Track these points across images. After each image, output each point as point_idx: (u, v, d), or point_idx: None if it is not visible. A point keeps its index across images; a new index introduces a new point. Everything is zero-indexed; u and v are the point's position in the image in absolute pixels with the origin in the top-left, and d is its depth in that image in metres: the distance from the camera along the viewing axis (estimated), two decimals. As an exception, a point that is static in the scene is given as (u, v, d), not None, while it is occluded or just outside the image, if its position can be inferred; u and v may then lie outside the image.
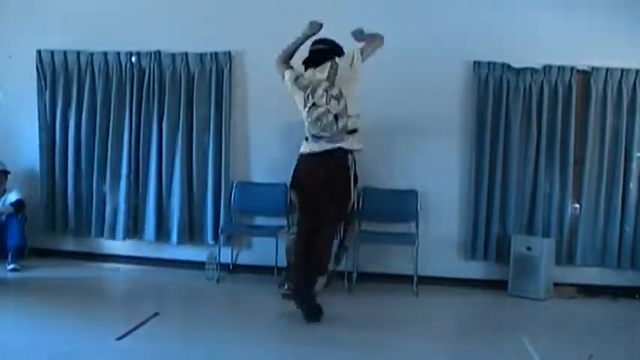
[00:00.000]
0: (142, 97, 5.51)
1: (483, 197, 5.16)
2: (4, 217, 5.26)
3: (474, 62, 5.16)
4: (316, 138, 4.06)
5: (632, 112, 5.07)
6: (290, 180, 4.29)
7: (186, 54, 5.44)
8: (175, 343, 3.60)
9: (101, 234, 5.61)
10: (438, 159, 5.23)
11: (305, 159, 4.14)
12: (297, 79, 4.19)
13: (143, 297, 4.90)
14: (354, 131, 4.13)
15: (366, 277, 5.06)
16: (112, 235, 5.59)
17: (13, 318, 3.90)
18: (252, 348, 3.58)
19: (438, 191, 5.21)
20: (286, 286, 4.65)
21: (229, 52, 5.40)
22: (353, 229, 4.98)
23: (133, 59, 5.53)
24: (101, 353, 3.37)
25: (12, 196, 5.35)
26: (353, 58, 4.09)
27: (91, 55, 5.57)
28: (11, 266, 5.10)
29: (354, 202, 4.27)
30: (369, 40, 4.15)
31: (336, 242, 4.19)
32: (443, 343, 3.97)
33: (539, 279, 4.87)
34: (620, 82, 5.07)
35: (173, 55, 5.46)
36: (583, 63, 5.09)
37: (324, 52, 4.19)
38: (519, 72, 5.13)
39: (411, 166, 5.23)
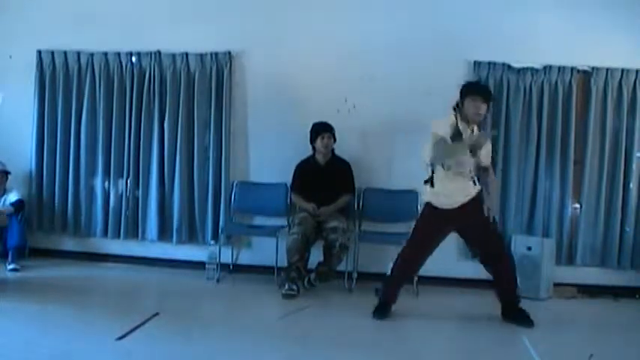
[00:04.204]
0: (142, 97, 5.52)
1: (483, 197, 5.16)
2: (5, 216, 5.25)
3: (474, 62, 5.17)
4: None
5: (632, 112, 5.08)
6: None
7: (186, 54, 5.44)
8: (175, 343, 3.59)
9: (101, 234, 5.62)
10: (438, 159, 5.23)
11: None
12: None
13: (143, 297, 4.90)
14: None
15: (366, 277, 5.06)
16: (113, 235, 5.59)
17: (13, 318, 3.90)
18: (252, 348, 3.58)
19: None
20: (287, 286, 4.66)
21: (229, 52, 5.40)
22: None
23: (133, 59, 5.54)
24: (101, 353, 3.36)
25: (12, 196, 5.35)
26: (483, 156, 4.14)
27: (91, 55, 5.57)
28: (11, 266, 5.10)
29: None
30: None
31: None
32: (443, 343, 3.97)
33: (539, 279, 4.88)
34: (620, 82, 5.07)
35: (173, 55, 5.47)
36: (583, 63, 5.10)
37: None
38: (519, 72, 5.13)
39: (411, 166, 5.21)
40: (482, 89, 4.22)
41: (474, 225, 4.17)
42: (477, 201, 4.13)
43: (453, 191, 4.11)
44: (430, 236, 4.25)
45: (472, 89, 4.16)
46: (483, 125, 4.31)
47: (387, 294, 4.30)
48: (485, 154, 4.16)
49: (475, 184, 4.16)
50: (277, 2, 5.43)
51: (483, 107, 4.10)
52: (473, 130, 4.12)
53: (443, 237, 4.31)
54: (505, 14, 5.13)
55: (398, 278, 4.31)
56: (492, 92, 4.30)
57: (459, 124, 4.09)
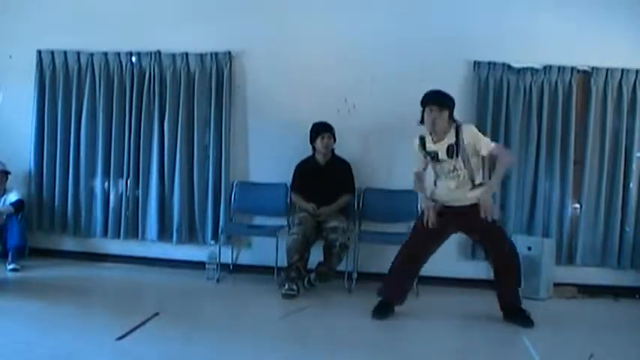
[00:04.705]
0: (142, 97, 5.52)
1: (483, 197, 5.15)
2: (4, 217, 5.26)
3: (474, 62, 5.17)
4: None
5: (632, 112, 5.08)
6: None
7: (186, 54, 5.44)
8: (175, 343, 3.60)
9: (101, 234, 5.62)
10: (438, 159, 5.23)
11: None
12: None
13: (143, 297, 4.90)
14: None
15: (366, 277, 5.06)
16: (112, 235, 5.59)
17: (13, 318, 3.90)
18: (253, 348, 3.58)
19: (438, 191, 5.20)
20: (286, 286, 4.66)
21: (229, 52, 5.40)
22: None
23: (133, 59, 5.54)
24: (101, 353, 3.36)
25: (12, 196, 5.35)
26: (480, 149, 4.03)
27: (91, 55, 5.57)
28: (11, 266, 5.10)
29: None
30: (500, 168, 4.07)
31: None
32: (443, 343, 3.97)
33: (539, 279, 4.88)
34: (620, 82, 5.07)
35: (173, 55, 5.47)
36: (583, 63, 5.10)
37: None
38: (519, 72, 5.13)
39: (411, 166, 5.22)
40: (434, 97, 4.06)
41: (475, 227, 4.16)
42: (478, 204, 4.11)
43: (452, 192, 4.12)
44: (430, 230, 4.20)
45: (426, 100, 4.07)
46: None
47: (387, 293, 4.29)
48: (479, 148, 4.02)
49: (479, 188, 4.10)
50: (277, 2, 5.43)
51: (441, 114, 4.02)
52: (449, 146, 4.03)
53: (443, 233, 4.25)
54: (505, 14, 5.13)
55: (397, 276, 4.27)
56: (450, 96, 4.09)
57: (429, 142, 4.11)
